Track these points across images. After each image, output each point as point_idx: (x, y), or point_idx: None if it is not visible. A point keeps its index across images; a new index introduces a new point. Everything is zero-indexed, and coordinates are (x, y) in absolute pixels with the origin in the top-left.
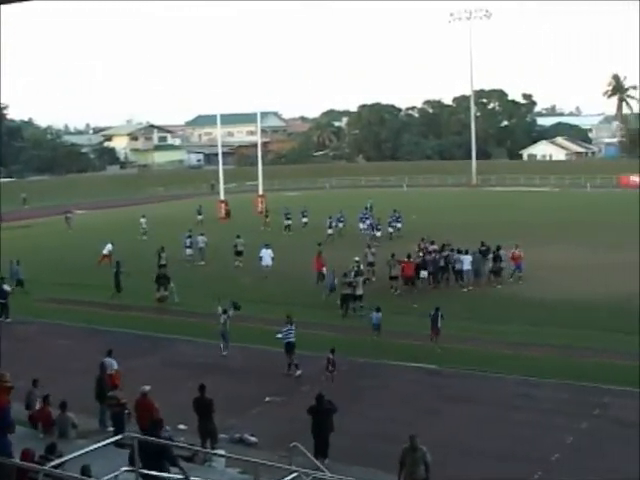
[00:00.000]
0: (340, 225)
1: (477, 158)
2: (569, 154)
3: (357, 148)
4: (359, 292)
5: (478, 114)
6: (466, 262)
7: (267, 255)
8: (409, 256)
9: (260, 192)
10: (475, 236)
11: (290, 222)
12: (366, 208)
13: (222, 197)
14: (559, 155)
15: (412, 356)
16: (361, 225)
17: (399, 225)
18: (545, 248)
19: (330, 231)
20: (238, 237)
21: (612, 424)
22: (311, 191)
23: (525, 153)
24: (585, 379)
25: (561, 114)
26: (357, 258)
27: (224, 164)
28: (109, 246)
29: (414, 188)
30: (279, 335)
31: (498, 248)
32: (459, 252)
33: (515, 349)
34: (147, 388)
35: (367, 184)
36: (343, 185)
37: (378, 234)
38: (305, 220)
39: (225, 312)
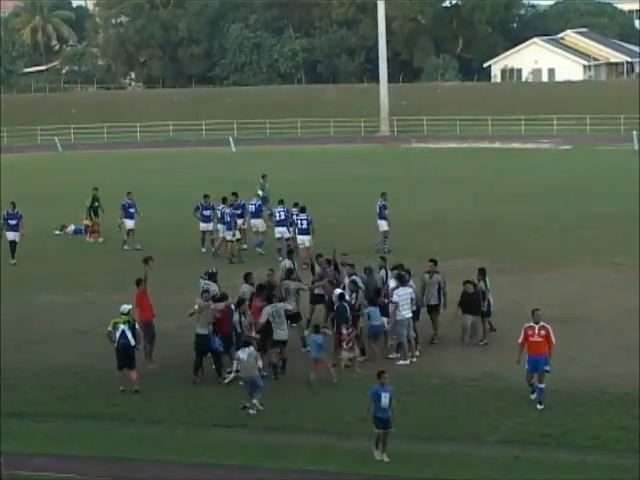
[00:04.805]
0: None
1: (392, 80)
2: (592, 67)
3: (125, 58)
4: None
5: None
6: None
7: None
8: (260, 289)
9: None
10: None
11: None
12: (264, 198)
13: None
14: (571, 71)
15: None
16: (279, 228)
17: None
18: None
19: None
20: None
21: None
22: (24, 154)
23: (497, 66)
24: None
25: None
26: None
27: None
28: None
29: (254, 147)
30: None
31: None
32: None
33: None
34: None
35: (147, 138)
36: (94, 142)
37: (309, 243)
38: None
39: None
